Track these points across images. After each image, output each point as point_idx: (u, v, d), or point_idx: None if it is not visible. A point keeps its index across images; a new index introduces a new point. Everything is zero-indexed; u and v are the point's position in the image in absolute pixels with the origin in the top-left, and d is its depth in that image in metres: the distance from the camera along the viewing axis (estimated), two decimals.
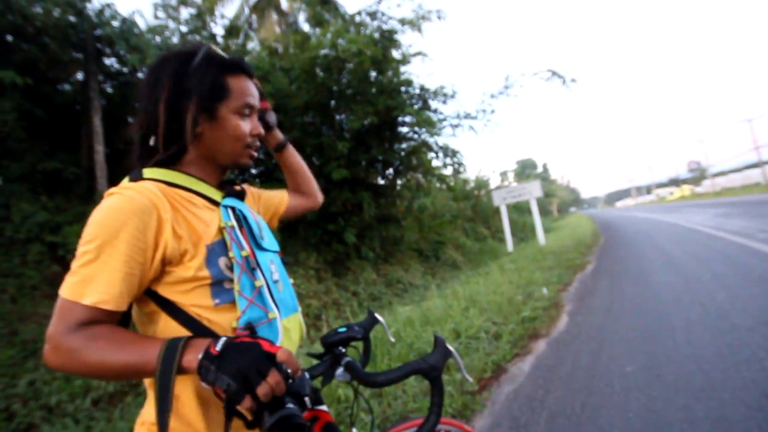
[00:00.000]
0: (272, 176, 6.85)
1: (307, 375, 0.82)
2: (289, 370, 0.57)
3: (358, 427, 1.86)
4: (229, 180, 0.91)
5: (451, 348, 0.73)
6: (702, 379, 2.29)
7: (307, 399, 0.62)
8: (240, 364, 0.55)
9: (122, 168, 6.20)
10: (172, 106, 0.77)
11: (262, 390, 0.54)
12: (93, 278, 0.64)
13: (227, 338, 0.59)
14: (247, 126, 0.84)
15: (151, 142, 0.79)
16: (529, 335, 3.54)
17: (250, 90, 0.85)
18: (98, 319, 0.64)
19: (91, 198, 5.32)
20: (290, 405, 0.57)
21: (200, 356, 0.57)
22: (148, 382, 0.75)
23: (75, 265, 0.66)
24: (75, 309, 0.63)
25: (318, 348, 2.85)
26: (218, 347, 0.57)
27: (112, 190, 0.72)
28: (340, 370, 0.86)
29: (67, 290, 0.65)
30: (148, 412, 0.75)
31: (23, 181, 4.86)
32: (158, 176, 0.76)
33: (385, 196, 8.31)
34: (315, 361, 0.93)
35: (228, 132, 0.81)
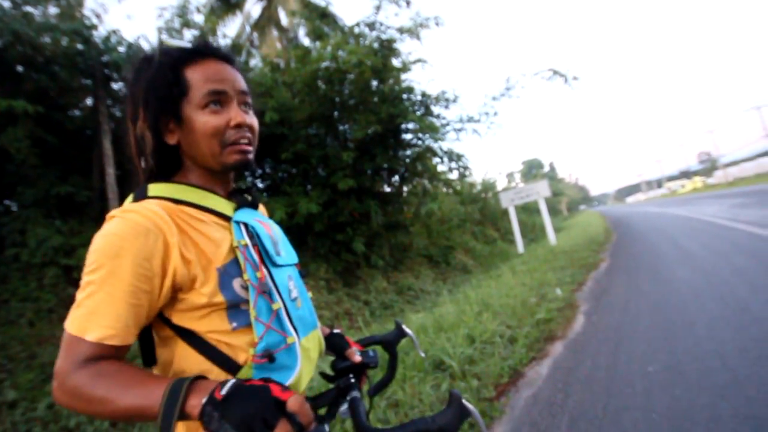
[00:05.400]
0: (279, 189, 6.90)
1: (326, 428, 0.75)
2: (301, 422, 0.51)
3: None
4: (239, 189, 0.83)
5: (470, 407, 0.60)
6: (727, 376, 2.23)
7: None
8: (245, 412, 0.50)
9: (133, 189, 6.30)
10: (132, 120, 0.73)
11: None
12: (96, 311, 0.60)
13: (235, 381, 0.54)
14: (221, 118, 0.72)
15: (142, 163, 0.75)
16: (545, 338, 3.48)
17: (218, 75, 0.72)
18: (105, 354, 0.60)
19: (104, 219, 5.40)
20: None
21: (203, 401, 0.52)
22: None
23: (79, 296, 0.62)
24: (80, 345, 0.59)
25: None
26: (223, 391, 0.52)
27: (114, 212, 0.66)
28: (344, 407, 0.79)
29: (71, 324, 0.60)
30: None
31: (38, 206, 4.97)
32: (164, 193, 0.70)
33: (392, 204, 8.32)
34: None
35: (197, 131, 0.71)
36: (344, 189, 6.65)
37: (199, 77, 0.71)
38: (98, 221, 4.57)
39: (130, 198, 0.71)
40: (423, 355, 1.15)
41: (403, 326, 1.01)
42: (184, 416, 0.53)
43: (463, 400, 0.60)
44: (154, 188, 0.71)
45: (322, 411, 0.82)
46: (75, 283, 4.76)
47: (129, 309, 0.61)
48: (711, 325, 3.02)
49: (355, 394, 0.81)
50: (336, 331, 0.97)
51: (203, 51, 0.73)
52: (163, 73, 0.70)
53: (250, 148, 0.76)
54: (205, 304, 0.66)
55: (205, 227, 0.70)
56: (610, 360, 2.79)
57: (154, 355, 0.71)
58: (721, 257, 5.32)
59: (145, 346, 0.71)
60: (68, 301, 4.61)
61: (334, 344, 0.93)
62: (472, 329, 3.52)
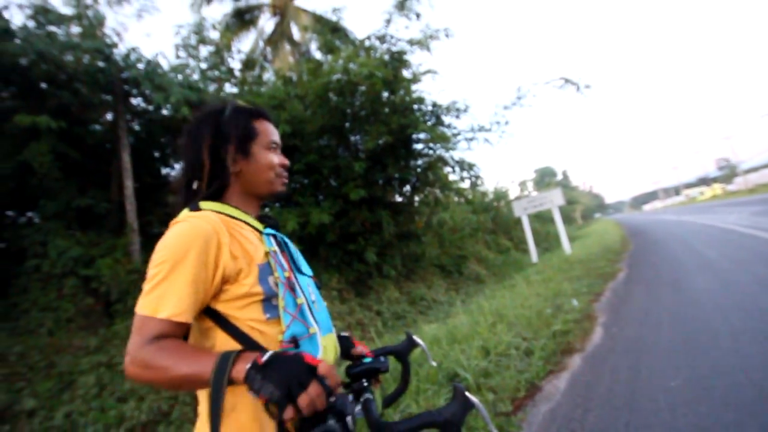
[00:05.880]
0: (291, 200, 6.97)
1: (350, 398, 0.83)
2: (329, 384, 0.60)
3: None
4: (265, 215, 1.02)
5: (473, 399, 0.66)
6: (753, 392, 2.14)
7: (349, 419, 0.63)
8: (283, 374, 0.59)
9: (150, 201, 6.46)
10: (213, 152, 0.93)
11: (303, 401, 0.58)
12: (165, 295, 0.73)
13: (274, 351, 0.64)
14: (276, 158, 0.99)
15: (194, 186, 0.93)
16: (563, 350, 3.40)
17: (274, 131, 1.02)
18: (169, 332, 0.73)
19: (122, 231, 5.54)
20: (332, 422, 0.59)
21: (248, 366, 0.62)
22: (202, 399, 0.81)
23: (148, 285, 0.76)
24: (150, 323, 0.72)
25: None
26: (264, 359, 0.62)
27: (179, 218, 0.84)
28: (357, 408, 0.84)
29: (143, 307, 0.74)
30: (199, 428, 0.81)
31: (58, 218, 5.11)
32: (212, 208, 0.88)
33: (403, 213, 8.31)
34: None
35: (261, 164, 0.96)
36: (356, 199, 6.67)
37: (265, 129, 0.99)
38: (116, 232, 4.66)
39: (186, 210, 0.88)
40: (434, 364, 1.18)
41: (414, 337, 1.05)
42: (231, 381, 0.64)
43: (467, 393, 0.65)
44: (205, 204, 0.89)
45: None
46: (93, 293, 4.85)
47: (191, 294, 0.75)
48: (734, 338, 2.92)
49: (368, 395, 0.86)
50: (343, 334, 1.09)
51: (263, 113, 1.02)
52: (245, 120, 0.97)
53: (287, 182, 1.04)
54: (246, 294, 0.80)
55: (246, 233, 0.88)
56: (630, 374, 2.71)
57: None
58: (742, 267, 5.15)
59: None
60: (86, 311, 4.70)
61: (342, 345, 1.06)
62: (486, 341, 3.46)
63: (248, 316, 0.80)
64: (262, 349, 0.74)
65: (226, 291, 0.80)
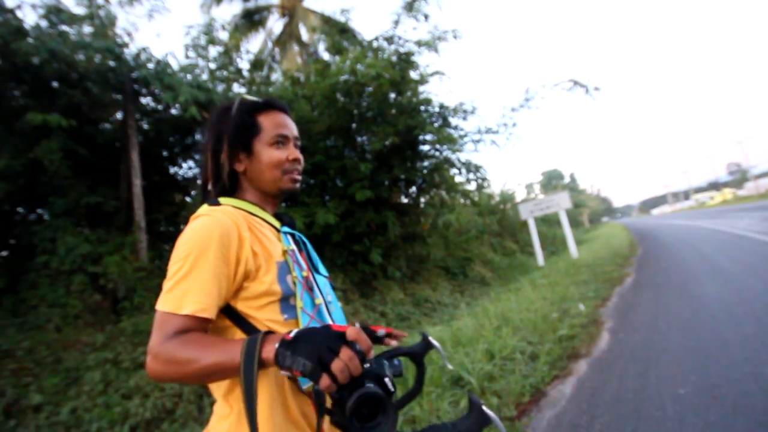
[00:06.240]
0: (297, 200, 6.98)
1: (386, 363, 0.80)
2: (361, 348, 0.58)
3: None
4: (280, 212, 1.00)
5: (490, 413, 0.61)
6: (764, 401, 2.09)
7: (388, 380, 0.60)
8: (312, 345, 0.57)
9: (158, 199, 6.51)
10: (214, 153, 0.91)
11: (336, 366, 0.56)
12: (189, 291, 0.71)
13: (300, 328, 0.63)
14: (283, 153, 0.92)
15: (209, 186, 0.93)
16: (569, 355, 3.36)
17: (283, 123, 0.94)
18: (192, 328, 0.70)
19: (129, 228, 5.59)
20: (370, 385, 0.57)
21: (276, 345, 0.60)
22: (219, 394, 0.79)
23: (169, 282, 0.74)
24: (172, 320, 0.70)
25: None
26: (292, 335, 0.61)
27: (199, 212, 0.82)
28: (396, 366, 0.83)
29: (165, 304, 0.72)
30: (214, 427, 0.79)
31: (68, 216, 5.16)
32: (231, 203, 0.87)
33: (409, 215, 8.29)
34: None
35: (264, 161, 0.91)
36: (362, 200, 6.66)
37: (269, 122, 0.93)
38: (124, 230, 4.69)
39: (205, 205, 0.86)
40: (450, 368, 1.16)
41: (430, 338, 1.01)
42: (261, 364, 0.62)
43: (484, 407, 0.61)
44: (224, 200, 0.88)
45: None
46: (100, 290, 4.90)
47: (214, 289, 0.73)
48: (745, 345, 2.86)
49: None
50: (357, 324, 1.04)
51: (271, 104, 0.95)
52: (245, 116, 0.91)
53: (300, 178, 0.97)
54: (264, 292, 0.78)
55: (264, 230, 0.87)
56: (638, 381, 2.67)
57: None
58: (753, 273, 5.06)
59: None
60: (94, 308, 4.75)
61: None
62: (491, 344, 3.43)
63: (266, 317, 0.79)
64: None
65: (246, 288, 0.78)
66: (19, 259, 4.97)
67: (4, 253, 5.32)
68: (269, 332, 0.65)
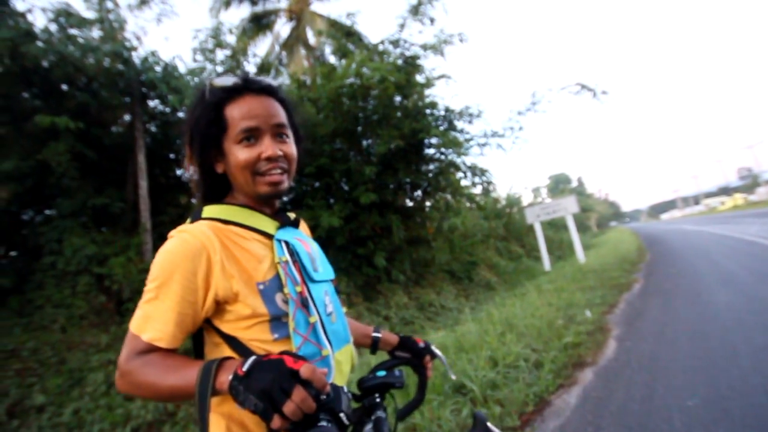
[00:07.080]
0: (302, 203, 6.99)
1: (345, 389, 0.80)
2: (315, 387, 0.56)
3: None
4: (283, 208, 0.90)
5: (495, 430, 0.62)
6: None
7: (343, 415, 0.59)
8: (264, 383, 0.55)
9: (164, 201, 6.55)
10: (191, 154, 0.84)
11: (287, 409, 0.54)
12: (151, 317, 0.70)
13: (255, 357, 0.59)
14: (253, 152, 0.77)
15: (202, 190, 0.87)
16: (574, 363, 3.30)
17: (252, 112, 0.78)
18: (153, 350, 0.70)
19: (135, 230, 5.63)
20: (324, 423, 0.56)
21: (230, 377, 0.58)
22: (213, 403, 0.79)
23: (141, 301, 0.73)
24: (137, 341, 0.70)
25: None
26: (245, 368, 0.57)
27: (172, 233, 0.76)
28: (368, 427, 0.81)
29: (133, 324, 0.71)
30: None
31: (74, 217, 5.21)
32: (215, 214, 0.79)
33: (414, 218, 8.26)
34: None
35: (232, 164, 0.79)
36: (366, 203, 6.66)
37: (236, 115, 0.78)
38: (130, 231, 4.73)
39: (188, 220, 0.81)
40: (454, 378, 1.16)
41: (433, 347, 1.01)
42: (216, 392, 0.60)
43: (489, 424, 0.62)
44: (207, 210, 0.80)
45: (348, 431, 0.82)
46: (106, 291, 4.93)
47: (176, 317, 0.70)
48: (756, 356, 2.79)
49: (380, 413, 0.82)
50: (377, 335, 1.06)
51: (241, 88, 0.79)
52: (207, 113, 0.79)
53: (282, 178, 0.81)
54: (250, 315, 0.73)
55: (249, 244, 0.78)
56: (645, 391, 2.61)
57: (203, 355, 0.81)
58: (765, 280, 4.96)
59: (197, 346, 0.81)
60: (99, 309, 4.78)
61: (399, 344, 1.05)
62: (494, 351, 3.38)
63: (254, 337, 0.74)
64: None
65: (229, 311, 0.74)
66: (27, 260, 5.02)
67: (12, 254, 5.38)
68: (226, 358, 0.64)
